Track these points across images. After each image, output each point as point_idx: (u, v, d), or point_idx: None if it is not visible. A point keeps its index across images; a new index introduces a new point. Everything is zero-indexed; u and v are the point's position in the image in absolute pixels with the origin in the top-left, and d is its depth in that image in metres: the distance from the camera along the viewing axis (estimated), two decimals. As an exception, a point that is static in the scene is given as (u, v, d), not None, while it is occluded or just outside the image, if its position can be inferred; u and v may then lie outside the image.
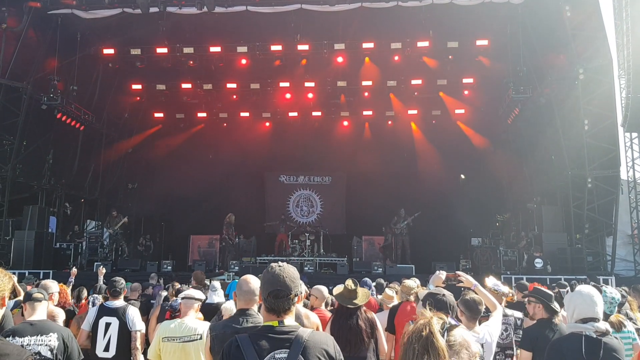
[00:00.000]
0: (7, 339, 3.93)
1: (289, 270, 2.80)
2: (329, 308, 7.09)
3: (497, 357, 5.55)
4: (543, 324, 5.02)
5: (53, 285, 6.30)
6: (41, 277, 14.28)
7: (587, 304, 3.76)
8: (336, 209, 24.50)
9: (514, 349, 5.67)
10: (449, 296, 3.92)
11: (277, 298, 2.70)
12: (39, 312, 4.54)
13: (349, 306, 5.01)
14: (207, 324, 5.33)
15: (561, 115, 16.83)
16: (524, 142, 19.93)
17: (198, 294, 5.51)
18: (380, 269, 16.90)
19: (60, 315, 5.44)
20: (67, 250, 18.40)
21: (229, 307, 5.51)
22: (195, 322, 5.23)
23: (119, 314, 5.98)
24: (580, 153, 16.20)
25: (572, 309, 3.87)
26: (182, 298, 5.39)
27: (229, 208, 22.37)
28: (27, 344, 4.18)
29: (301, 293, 5.28)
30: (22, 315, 4.81)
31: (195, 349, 5.03)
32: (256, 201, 24.08)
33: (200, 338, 5.05)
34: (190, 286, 7.93)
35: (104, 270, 9.26)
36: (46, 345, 4.26)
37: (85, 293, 8.66)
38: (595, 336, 3.65)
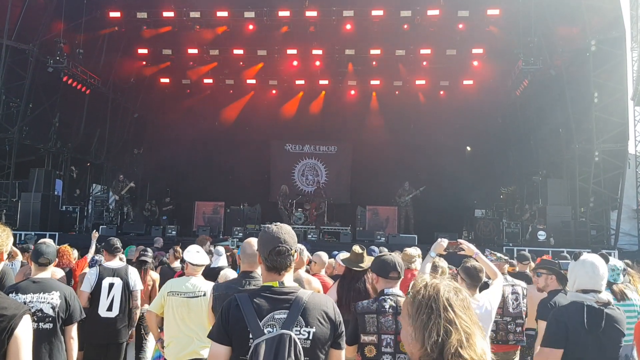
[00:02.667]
0: (10, 295, 3.98)
1: (286, 228, 2.82)
2: (332, 272, 7.15)
3: (509, 326, 5.60)
4: (558, 295, 4.91)
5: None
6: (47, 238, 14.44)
7: (589, 275, 3.65)
8: (341, 178, 24.50)
9: (524, 318, 5.70)
10: (395, 256, 4.05)
11: (280, 255, 2.71)
12: (45, 272, 4.60)
13: (355, 269, 5.06)
14: (212, 284, 5.40)
15: (571, 87, 16.63)
16: (532, 114, 19.75)
17: (205, 260, 5.48)
18: (383, 239, 16.98)
19: (58, 273, 5.49)
20: (73, 213, 18.59)
21: (227, 274, 5.57)
22: (200, 280, 5.30)
23: (122, 274, 6.08)
24: (589, 126, 16.04)
25: (573, 278, 3.78)
26: (191, 263, 5.37)
27: (235, 175, 22.47)
28: (30, 301, 4.24)
29: (301, 251, 5.34)
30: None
31: (199, 306, 5.11)
32: (261, 169, 24.10)
33: (204, 295, 5.12)
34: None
35: (97, 235, 9.29)
36: (48, 303, 4.32)
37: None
38: (597, 306, 3.57)
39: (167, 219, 20.47)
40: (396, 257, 4.04)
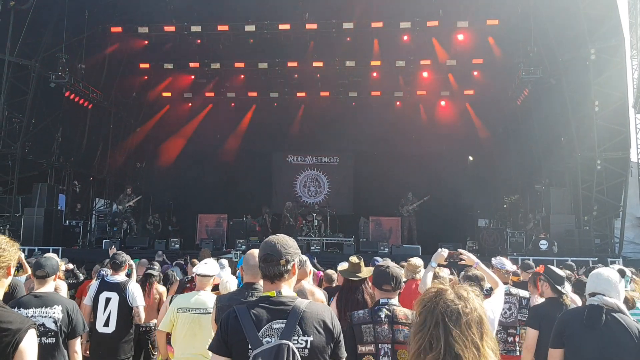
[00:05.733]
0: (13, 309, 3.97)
1: (282, 238, 2.84)
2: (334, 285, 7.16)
3: (499, 335, 5.54)
4: (551, 303, 4.92)
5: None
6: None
7: (592, 280, 3.86)
8: (343, 189, 24.50)
9: (517, 328, 5.65)
10: (393, 268, 4.00)
11: (266, 262, 2.74)
12: (47, 286, 4.58)
13: (353, 279, 5.05)
14: None
15: (571, 96, 16.64)
16: (534, 123, 19.75)
17: (212, 270, 5.44)
18: (387, 249, 16.93)
19: (63, 288, 5.46)
20: (76, 227, 18.61)
21: (224, 282, 5.56)
22: (210, 295, 5.24)
23: (120, 289, 5.95)
24: (590, 134, 16.04)
25: (586, 288, 3.99)
26: (198, 275, 5.34)
27: (237, 188, 22.48)
28: (32, 316, 4.22)
29: (304, 262, 5.32)
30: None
31: (210, 322, 5.08)
32: (263, 181, 24.12)
33: None
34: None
35: (114, 249, 9.29)
36: (50, 317, 4.30)
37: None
38: (597, 304, 3.70)
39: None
40: (393, 269, 4.01)
